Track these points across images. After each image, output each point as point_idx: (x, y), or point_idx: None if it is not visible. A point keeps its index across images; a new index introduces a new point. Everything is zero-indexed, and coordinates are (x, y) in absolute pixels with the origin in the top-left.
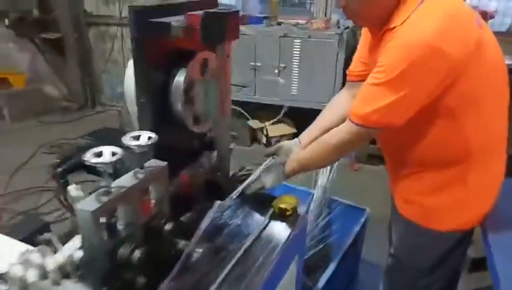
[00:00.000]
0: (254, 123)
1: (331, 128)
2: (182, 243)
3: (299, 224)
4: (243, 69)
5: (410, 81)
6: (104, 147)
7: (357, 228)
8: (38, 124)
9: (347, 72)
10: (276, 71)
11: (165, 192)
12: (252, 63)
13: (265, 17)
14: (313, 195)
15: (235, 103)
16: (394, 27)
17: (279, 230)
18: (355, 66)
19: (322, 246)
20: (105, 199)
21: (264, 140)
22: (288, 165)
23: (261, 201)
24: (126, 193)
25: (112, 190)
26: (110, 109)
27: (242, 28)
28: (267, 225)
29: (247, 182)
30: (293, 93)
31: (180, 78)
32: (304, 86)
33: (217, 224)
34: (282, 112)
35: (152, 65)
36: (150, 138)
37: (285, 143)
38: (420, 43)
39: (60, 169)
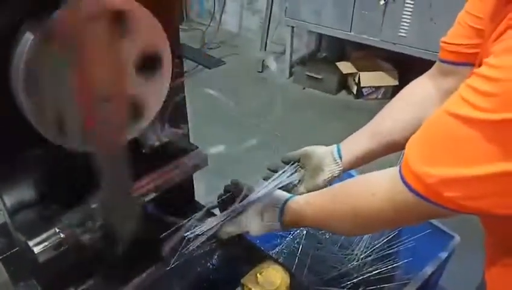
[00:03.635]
0: (344, 66)
1: (392, 141)
2: None
3: None
4: None
5: None
6: None
7: (437, 261)
8: None
9: (440, 44)
10: (382, 3)
11: None
12: None
13: None
14: None
15: (327, 39)
16: None
17: None
18: (457, 34)
19: (379, 268)
20: None
21: (354, 89)
22: (289, 208)
23: (237, 257)
24: None
25: None
26: (196, 27)
27: None
28: None
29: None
30: (400, 34)
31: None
32: (417, 27)
33: None
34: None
35: None
36: None
37: (317, 150)
38: None
39: None
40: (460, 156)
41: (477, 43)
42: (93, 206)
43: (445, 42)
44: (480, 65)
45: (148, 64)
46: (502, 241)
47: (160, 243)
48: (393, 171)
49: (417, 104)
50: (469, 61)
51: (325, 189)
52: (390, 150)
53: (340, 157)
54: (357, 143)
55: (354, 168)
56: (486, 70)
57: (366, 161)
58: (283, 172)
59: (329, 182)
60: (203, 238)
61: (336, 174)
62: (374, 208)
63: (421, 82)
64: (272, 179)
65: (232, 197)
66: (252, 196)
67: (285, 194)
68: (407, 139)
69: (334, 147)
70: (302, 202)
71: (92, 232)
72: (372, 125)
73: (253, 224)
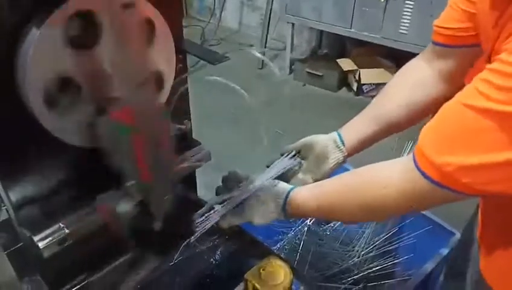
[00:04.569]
0: (345, 63)
1: (392, 122)
2: None
3: None
4: None
5: None
6: None
7: (437, 257)
8: None
9: (434, 27)
10: (383, 0)
11: None
12: None
13: None
14: None
15: (328, 36)
16: None
17: None
18: (449, 18)
19: (379, 264)
20: None
21: (354, 86)
22: (293, 200)
23: (239, 253)
24: None
25: None
26: (196, 24)
27: None
28: None
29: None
30: (401, 31)
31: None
32: (418, 24)
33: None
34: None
35: None
36: None
37: (318, 139)
38: None
39: None
40: (477, 145)
41: (469, 27)
42: (130, 184)
43: (438, 26)
44: (489, 59)
45: None
46: (502, 229)
47: (191, 220)
48: (406, 161)
49: (414, 85)
50: (462, 43)
51: (330, 179)
52: (391, 132)
53: (343, 144)
54: (358, 128)
55: (357, 153)
56: (500, 66)
57: (367, 145)
58: (281, 160)
59: (335, 169)
60: (204, 230)
61: (341, 161)
62: (388, 198)
63: (416, 64)
64: (270, 167)
65: (230, 188)
66: (253, 186)
67: (288, 185)
68: (406, 120)
69: (335, 134)
70: (307, 193)
71: (129, 209)
72: (371, 108)
73: (256, 214)
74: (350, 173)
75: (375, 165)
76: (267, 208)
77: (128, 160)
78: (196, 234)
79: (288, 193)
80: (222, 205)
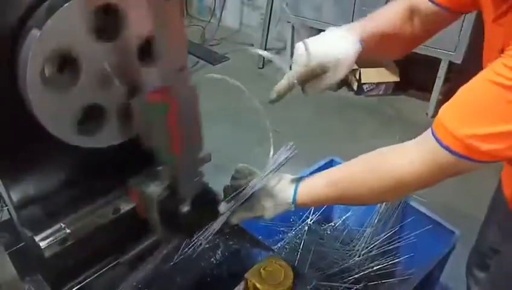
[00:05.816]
0: None
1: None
2: None
3: None
4: None
5: None
6: None
7: (438, 256)
8: None
9: None
10: None
11: None
12: None
13: None
14: None
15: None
16: None
17: None
18: None
19: (380, 263)
20: None
21: (355, 85)
22: (303, 189)
23: (240, 252)
24: None
25: None
26: (196, 23)
27: None
28: None
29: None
30: None
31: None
32: None
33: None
34: None
35: None
36: None
37: (327, 38)
38: None
39: None
40: (504, 114)
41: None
42: (160, 168)
43: None
44: (502, 50)
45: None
46: None
47: (217, 203)
48: (428, 139)
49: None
50: (457, 9)
51: (340, 166)
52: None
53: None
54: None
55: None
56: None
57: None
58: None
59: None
60: (214, 231)
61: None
62: (415, 174)
63: (396, 5)
64: (271, 161)
65: (237, 185)
66: (258, 181)
67: (295, 176)
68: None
69: (336, 29)
70: (317, 181)
71: (158, 192)
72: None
73: (266, 207)
74: (362, 158)
75: (388, 148)
76: (276, 200)
77: (161, 137)
78: (208, 235)
79: (298, 182)
80: (231, 203)
